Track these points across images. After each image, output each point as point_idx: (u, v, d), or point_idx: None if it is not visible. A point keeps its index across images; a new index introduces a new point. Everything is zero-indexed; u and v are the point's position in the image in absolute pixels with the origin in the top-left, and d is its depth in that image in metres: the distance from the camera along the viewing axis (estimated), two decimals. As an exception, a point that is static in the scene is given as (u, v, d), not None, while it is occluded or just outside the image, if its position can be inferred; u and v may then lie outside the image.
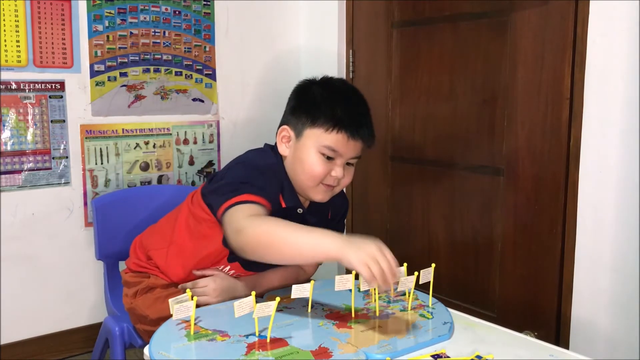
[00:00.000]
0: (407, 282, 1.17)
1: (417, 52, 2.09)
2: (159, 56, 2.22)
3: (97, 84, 2.10)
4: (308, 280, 1.16)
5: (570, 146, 1.66)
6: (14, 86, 1.95)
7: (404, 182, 2.19)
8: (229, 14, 2.37)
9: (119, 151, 2.17)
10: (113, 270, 1.75)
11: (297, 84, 1.37)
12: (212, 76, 2.36)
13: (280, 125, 1.34)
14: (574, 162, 1.65)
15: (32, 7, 1.95)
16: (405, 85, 2.14)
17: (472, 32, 1.90)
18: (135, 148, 2.20)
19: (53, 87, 2.02)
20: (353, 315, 1.14)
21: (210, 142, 2.38)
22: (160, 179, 2.27)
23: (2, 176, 1.95)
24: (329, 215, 1.41)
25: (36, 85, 1.98)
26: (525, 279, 1.80)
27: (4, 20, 1.91)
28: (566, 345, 1.69)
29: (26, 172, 1.99)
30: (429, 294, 1.22)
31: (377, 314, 1.15)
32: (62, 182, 2.06)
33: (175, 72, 2.26)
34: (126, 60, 2.15)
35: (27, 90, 1.97)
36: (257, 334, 1.03)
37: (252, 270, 1.36)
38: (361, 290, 1.16)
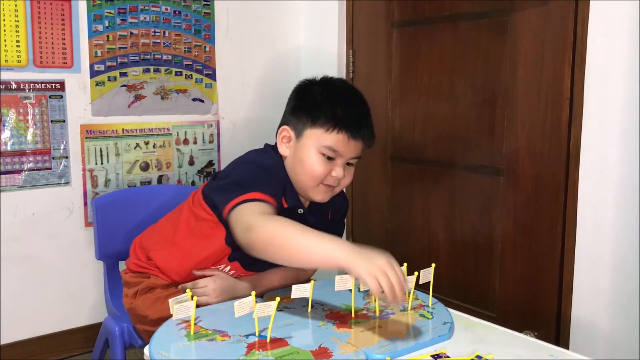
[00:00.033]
0: (407, 282, 1.17)
1: (417, 52, 2.09)
2: (159, 56, 2.22)
3: (97, 84, 2.10)
4: (308, 280, 1.16)
5: (570, 146, 1.66)
6: (14, 86, 1.95)
7: (404, 182, 2.19)
8: (229, 14, 2.37)
9: (119, 151, 2.17)
10: (113, 270, 1.75)
11: (297, 84, 1.37)
12: (212, 76, 2.36)
13: (280, 125, 1.34)
14: (574, 162, 1.65)
15: (32, 7, 1.95)
16: (405, 85, 2.15)
17: (472, 32, 1.90)
18: (135, 148, 2.20)
19: (53, 87, 2.02)
20: (353, 315, 1.14)
21: (210, 142, 2.38)
22: (160, 179, 2.27)
23: (2, 176, 1.95)
24: (329, 215, 1.41)
25: (36, 85, 1.98)
26: (525, 279, 1.80)
27: (4, 20, 1.91)
28: (566, 345, 1.69)
29: (26, 172, 1.99)
30: (429, 294, 1.22)
31: (377, 314, 1.15)
32: (62, 182, 2.06)
33: (175, 72, 2.26)
34: (126, 60, 2.15)
35: (27, 90, 1.97)
36: (257, 334, 1.03)
37: (252, 271, 1.36)
38: (361, 290, 1.16)
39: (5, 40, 1.91)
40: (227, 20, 2.36)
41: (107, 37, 2.10)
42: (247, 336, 1.03)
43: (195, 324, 1.07)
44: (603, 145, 1.59)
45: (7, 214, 1.97)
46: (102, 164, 2.14)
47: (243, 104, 2.45)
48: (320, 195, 1.31)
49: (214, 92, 2.37)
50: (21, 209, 2.00)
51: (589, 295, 1.65)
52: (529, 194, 1.77)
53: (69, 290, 2.12)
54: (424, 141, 2.09)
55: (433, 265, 1.20)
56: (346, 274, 1.05)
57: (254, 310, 1.01)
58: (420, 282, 1.18)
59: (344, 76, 2.34)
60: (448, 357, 0.99)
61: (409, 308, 1.18)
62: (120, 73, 2.14)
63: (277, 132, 1.35)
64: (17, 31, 1.93)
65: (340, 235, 1.48)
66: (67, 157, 2.06)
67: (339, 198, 1.40)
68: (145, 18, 2.17)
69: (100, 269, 1.79)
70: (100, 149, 2.13)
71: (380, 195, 2.27)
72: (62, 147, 2.05)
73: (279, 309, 1.13)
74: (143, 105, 2.20)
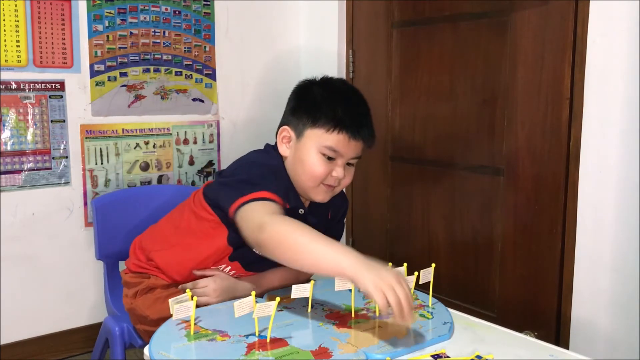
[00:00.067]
0: (408, 282, 1.17)
1: (417, 52, 2.09)
2: (159, 56, 2.22)
3: (97, 84, 2.10)
4: (308, 280, 1.16)
5: (570, 146, 1.66)
6: (14, 86, 1.95)
7: (404, 182, 2.19)
8: (229, 14, 2.37)
9: (119, 151, 2.17)
10: (113, 270, 1.75)
11: (297, 84, 1.37)
12: (212, 76, 2.36)
13: (280, 125, 1.34)
14: (574, 162, 1.65)
15: (32, 7, 1.95)
16: (405, 85, 2.15)
17: (472, 32, 1.90)
18: (135, 148, 2.20)
19: (53, 87, 2.02)
20: (353, 315, 1.14)
21: (210, 142, 2.38)
22: (160, 179, 2.27)
23: (2, 176, 1.95)
24: (329, 215, 1.41)
25: (36, 85, 1.98)
26: (525, 279, 1.80)
27: (4, 20, 1.91)
28: (566, 345, 1.69)
29: (26, 172, 1.99)
30: (429, 294, 1.22)
31: (377, 314, 1.15)
32: (62, 182, 2.06)
33: (175, 72, 2.26)
34: (126, 60, 2.15)
35: (27, 90, 1.97)
36: (257, 334, 1.03)
37: (252, 271, 1.36)
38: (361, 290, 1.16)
39: (5, 40, 1.91)
40: (227, 20, 2.36)
41: (107, 37, 2.10)
42: (247, 336, 1.03)
43: (195, 324, 1.07)
44: (603, 145, 1.59)
45: (7, 214, 1.97)
46: (102, 164, 2.14)
47: (243, 104, 2.45)
48: (320, 196, 1.31)
49: (214, 92, 2.37)
50: (21, 209, 2.00)
51: (589, 295, 1.65)
52: (529, 194, 1.77)
53: (69, 290, 2.12)
54: (424, 141, 2.09)
55: (433, 265, 1.20)
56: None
57: (254, 310, 1.01)
58: (420, 282, 1.18)
59: (344, 76, 2.34)
60: (448, 357, 0.99)
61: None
62: (120, 73, 2.14)
63: (277, 133, 1.35)
64: (17, 31, 1.93)
65: (340, 235, 1.48)
66: (67, 157, 2.06)
67: (339, 198, 1.40)
68: (145, 18, 2.17)
69: (100, 269, 1.79)
70: (100, 149, 2.13)
71: (380, 195, 2.27)
72: (62, 147, 2.05)
73: (279, 309, 1.13)
74: (143, 105, 2.20)
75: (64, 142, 2.05)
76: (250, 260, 1.32)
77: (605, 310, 1.62)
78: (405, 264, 1.19)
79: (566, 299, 1.70)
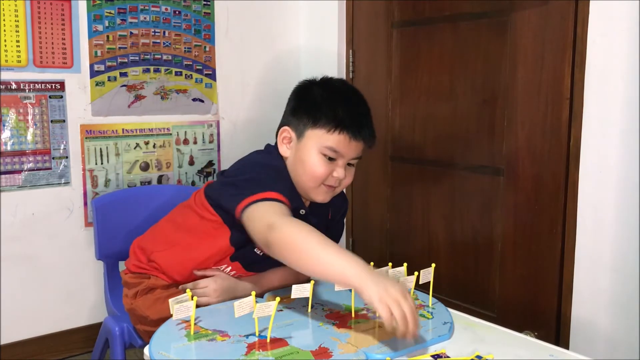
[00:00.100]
0: (407, 282, 1.17)
1: (417, 52, 2.09)
2: (159, 56, 2.22)
3: (97, 84, 2.10)
4: (308, 280, 1.16)
5: (570, 146, 1.66)
6: (14, 86, 1.95)
7: (404, 182, 2.19)
8: (229, 14, 2.37)
9: (119, 151, 2.17)
10: (113, 270, 1.75)
11: (297, 84, 1.37)
12: (212, 76, 2.36)
13: (281, 126, 1.34)
14: (574, 162, 1.65)
15: (32, 7, 1.95)
16: (405, 85, 2.15)
17: (472, 32, 1.90)
18: (135, 148, 2.20)
19: (53, 87, 2.02)
20: (353, 315, 1.14)
21: (210, 142, 2.38)
22: (160, 179, 2.27)
23: (2, 176, 1.95)
24: (329, 215, 1.41)
25: (36, 85, 1.98)
26: (525, 279, 1.80)
27: (4, 20, 1.91)
28: (566, 345, 1.69)
29: (26, 172, 1.99)
30: (429, 294, 1.22)
31: (377, 314, 1.15)
32: (62, 182, 2.06)
33: (175, 72, 2.26)
34: (126, 60, 2.15)
35: (27, 90, 1.97)
36: (257, 334, 1.03)
37: (252, 271, 1.36)
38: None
39: (5, 40, 1.91)
40: (227, 20, 2.36)
41: (107, 37, 2.10)
42: (247, 336, 1.03)
43: (195, 324, 1.07)
44: (603, 145, 1.59)
45: (7, 214, 1.97)
46: (102, 164, 2.14)
47: (243, 104, 2.45)
48: (321, 196, 1.31)
49: (214, 92, 2.37)
50: (21, 209, 2.00)
51: (589, 295, 1.65)
52: (529, 194, 1.77)
53: (69, 290, 2.12)
54: (424, 141, 2.09)
55: (433, 265, 1.20)
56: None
57: (254, 310, 1.01)
58: (420, 282, 1.18)
59: (344, 76, 2.34)
60: (448, 357, 0.99)
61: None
62: (120, 73, 2.14)
63: (277, 133, 1.35)
64: (17, 31, 1.93)
65: (339, 234, 1.48)
66: (67, 157, 2.06)
67: (339, 198, 1.40)
68: (145, 18, 2.17)
69: (100, 269, 1.79)
70: (100, 149, 2.13)
71: (380, 195, 2.27)
72: (62, 147, 2.05)
73: (279, 309, 1.13)
74: (143, 105, 2.20)
75: (64, 142, 2.05)
76: (251, 261, 1.32)
77: (605, 310, 1.62)
78: (405, 264, 1.19)
79: (566, 299, 1.70)
